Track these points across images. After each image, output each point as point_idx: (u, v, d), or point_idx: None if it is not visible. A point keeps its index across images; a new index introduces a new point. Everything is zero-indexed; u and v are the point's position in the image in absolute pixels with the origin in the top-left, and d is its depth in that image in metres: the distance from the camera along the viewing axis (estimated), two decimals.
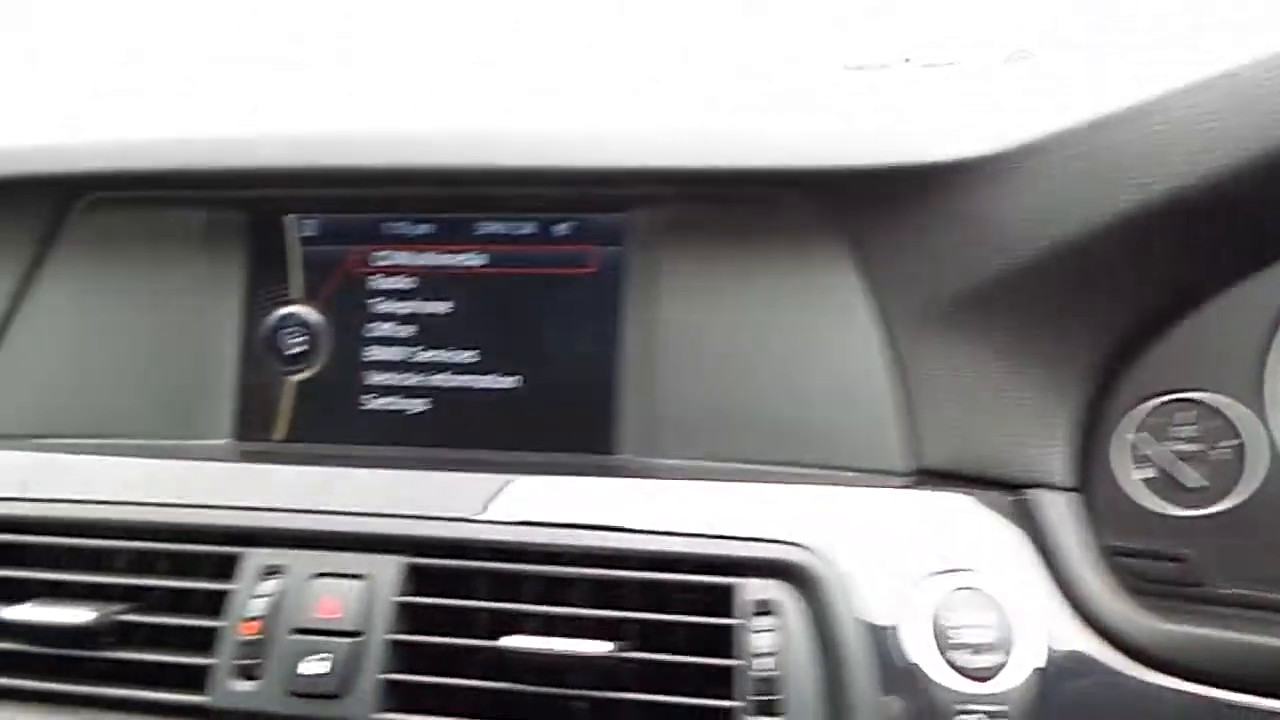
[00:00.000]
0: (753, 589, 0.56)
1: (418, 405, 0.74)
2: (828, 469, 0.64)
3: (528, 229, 0.73)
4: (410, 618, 0.59)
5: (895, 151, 0.63)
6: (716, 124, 0.70)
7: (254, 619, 0.59)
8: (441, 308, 0.74)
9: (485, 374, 0.73)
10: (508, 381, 0.72)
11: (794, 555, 0.56)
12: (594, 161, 0.69)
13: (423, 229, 0.74)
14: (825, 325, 0.66)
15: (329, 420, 0.74)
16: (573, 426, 0.71)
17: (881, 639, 0.53)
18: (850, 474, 0.63)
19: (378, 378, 0.74)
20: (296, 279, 0.76)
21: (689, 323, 0.69)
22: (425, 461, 0.70)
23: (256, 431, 0.75)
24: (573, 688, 0.56)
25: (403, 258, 0.74)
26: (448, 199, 0.73)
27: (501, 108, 0.77)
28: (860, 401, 0.64)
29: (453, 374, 0.73)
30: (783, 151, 0.65)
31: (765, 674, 0.53)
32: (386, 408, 0.74)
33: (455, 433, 0.73)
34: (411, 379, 0.74)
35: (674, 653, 0.55)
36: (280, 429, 0.75)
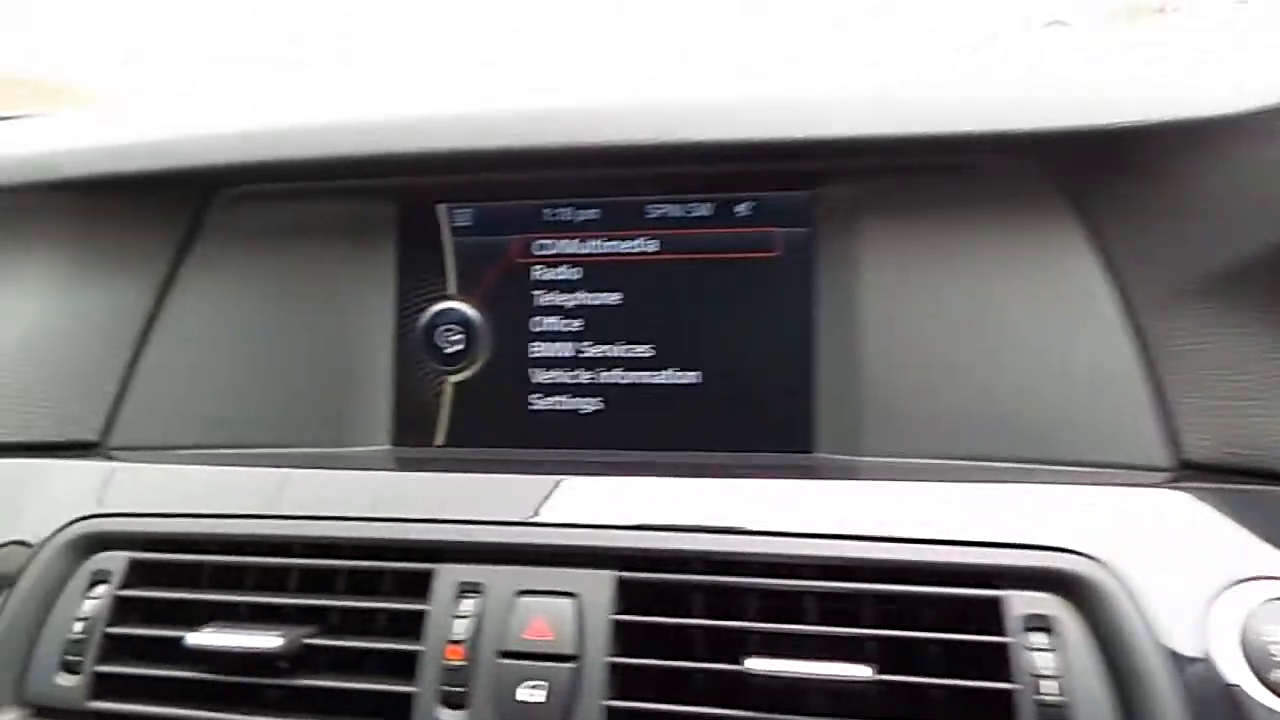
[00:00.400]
0: (1023, 602, 0.50)
1: (589, 404, 0.68)
2: (1074, 465, 0.58)
3: (704, 211, 0.67)
4: (628, 638, 0.53)
5: (1138, 108, 0.56)
6: (914, 87, 0.63)
7: (458, 642, 0.54)
8: (611, 299, 0.68)
9: (662, 369, 0.67)
10: (687, 376, 0.67)
11: (1070, 564, 0.50)
12: (780, 133, 0.63)
13: (588, 214, 0.69)
14: (1057, 306, 0.60)
15: (493, 423, 0.69)
16: (762, 423, 0.65)
17: (1186, 660, 0.47)
18: (1103, 470, 0.57)
19: (544, 376, 0.69)
20: (452, 273, 0.71)
21: (894, 307, 0.63)
22: (604, 466, 0.64)
23: (415, 436, 0.70)
24: (812, 714, 0.51)
25: (567, 246, 0.69)
26: (615, 180, 0.68)
27: (666, 80, 0.71)
28: (1106, 389, 0.58)
29: (626, 370, 0.68)
30: (1002, 113, 0.59)
31: (1052, 699, 0.47)
32: (555, 408, 0.69)
33: (630, 433, 0.67)
34: (581, 376, 0.68)
35: (933, 675, 0.50)
36: (440, 433, 0.70)
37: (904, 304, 0.63)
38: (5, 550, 0.63)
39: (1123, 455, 0.57)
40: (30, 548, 0.62)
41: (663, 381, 0.67)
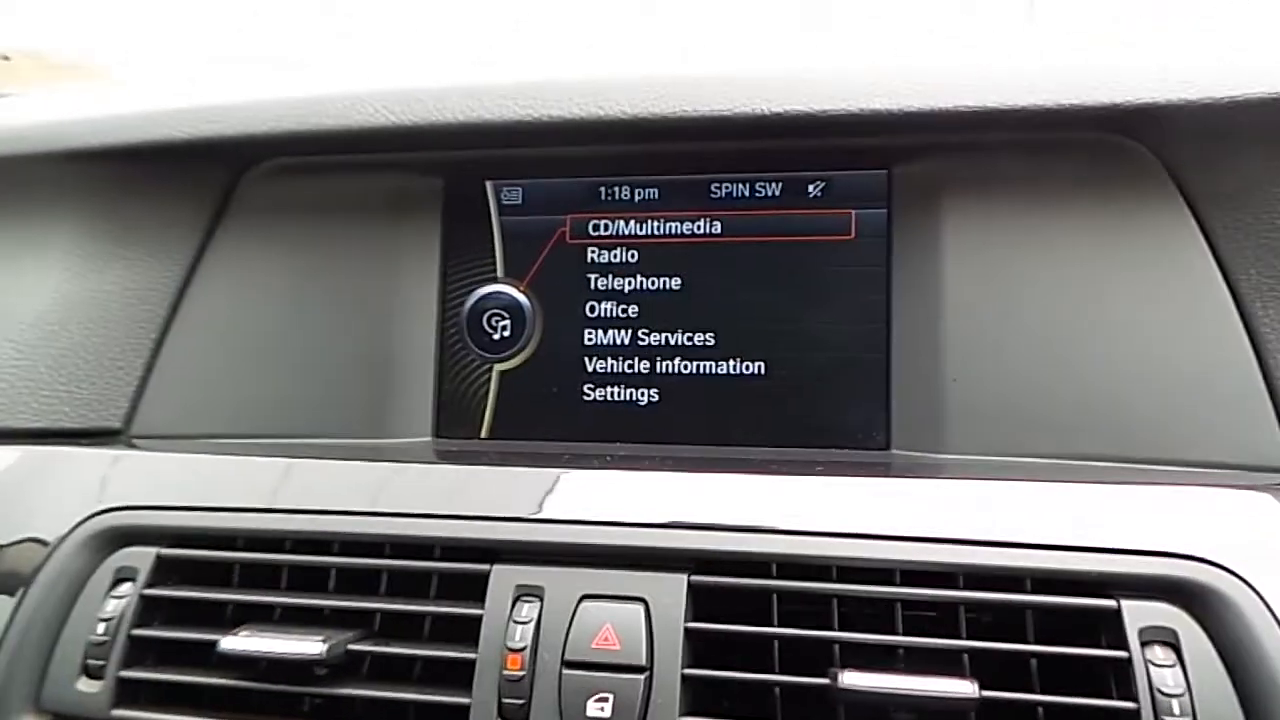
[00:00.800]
0: (1142, 613, 0.46)
1: (645, 395, 0.64)
2: (1182, 465, 0.54)
3: (772, 190, 0.63)
4: (702, 647, 0.49)
5: (1257, 79, 0.52)
6: (1001, 57, 0.59)
7: (518, 650, 0.50)
8: (671, 284, 0.64)
9: (724, 359, 0.63)
10: (751, 367, 0.63)
11: (1192, 571, 0.45)
12: (857, 105, 0.58)
13: (647, 193, 0.65)
14: (1160, 294, 0.55)
15: (542, 414, 0.65)
16: (834, 418, 0.61)
17: None
18: (1215, 471, 0.53)
19: (598, 365, 0.65)
20: (500, 254, 0.66)
21: (979, 294, 0.59)
22: (667, 461, 0.60)
23: (459, 428, 0.66)
24: None
25: (624, 227, 0.65)
26: (677, 156, 0.63)
27: (732, 52, 0.67)
28: (1216, 383, 0.54)
29: (685, 359, 0.64)
30: (1103, 85, 0.55)
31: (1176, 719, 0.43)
32: (608, 399, 0.64)
33: (689, 427, 0.63)
34: (637, 366, 0.64)
35: (1038, 691, 0.45)
36: (486, 425, 0.66)
37: (989, 290, 0.59)
38: (23, 545, 0.59)
39: (1235, 455, 0.53)
40: (49, 543, 0.58)
41: (725, 372, 0.63)
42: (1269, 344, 0.53)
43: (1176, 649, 0.45)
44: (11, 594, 0.57)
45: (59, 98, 0.73)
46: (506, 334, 0.66)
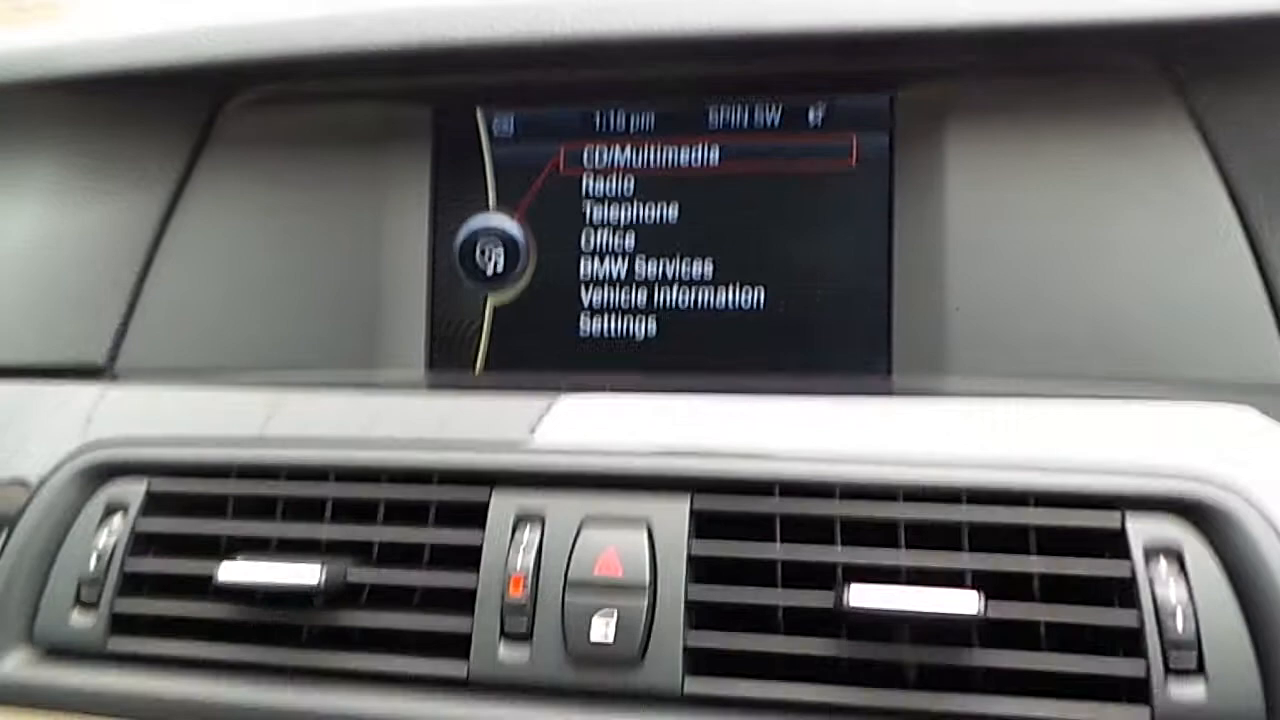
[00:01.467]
0: (1147, 529, 0.46)
1: (642, 327, 0.63)
2: (1184, 384, 0.53)
3: (772, 116, 0.62)
4: (706, 569, 0.49)
5: None
6: None
7: (519, 575, 0.49)
8: (668, 213, 0.63)
9: (723, 289, 0.62)
10: (751, 296, 0.62)
11: (1197, 488, 0.45)
12: (859, 21, 0.57)
13: (643, 120, 0.63)
14: (1167, 216, 0.55)
15: (537, 348, 0.64)
16: (835, 346, 0.60)
17: None
18: (1219, 388, 0.53)
19: (594, 297, 0.63)
20: (491, 184, 0.65)
21: (982, 218, 0.58)
22: (660, 387, 0.59)
23: (453, 360, 0.65)
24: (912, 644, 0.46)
25: (619, 155, 0.63)
26: (674, 81, 0.62)
27: None
28: (1219, 303, 0.53)
29: (684, 289, 0.63)
30: (1114, 1, 0.54)
31: (1180, 634, 0.43)
32: (605, 331, 0.63)
33: (689, 358, 0.62)
34: (635, 297, 0.63)
35: (1057, 600, 0.45)
36: (480, 358, 0.65)
37: (993, 215, 0.58)
38: (7, 483, 0.57)
39: (1241, 374, 0.53)
40: (35, 480, 0.57)
41: (724, 303, 0.62)
42: (1276, 266, 0.53)
43: (1181, 565, 0.45)
44: None
45: (28, 32, 0.70)
46: (500, 266, 0.64)
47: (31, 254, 0.65)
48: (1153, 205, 0.55)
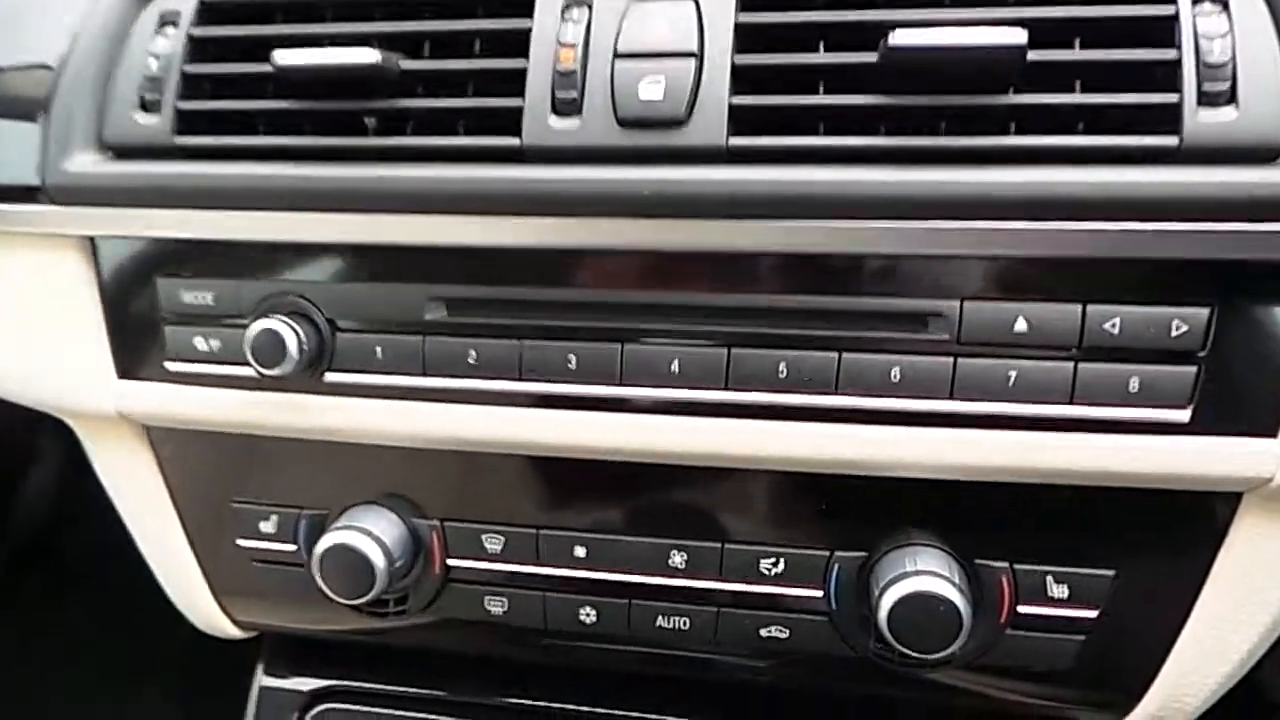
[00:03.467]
0: None
1: None
2: None
3: None
4: (751, 38, 0.50)
5: None
6: None
7: (569, 46, 0.50)
8: None
9: None
10: None
11: None
12: None
13: None
14: None
15: None
16: None
17: None
18: None
19: None
20: None
21: None
22: None
23: None
24: (950, 86, 0.46)
25: None
26: None
27: None
28: None
29: None
30: None
31: (1217, 59, 0.44)
32: None
33: None
34: None
35: (1094, 46, 0.46)
36: None
37: None
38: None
39: None
40: None
41: None
42: None
43: (1225, 5, 0.45)
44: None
45: None
46: None
47: None
48: None
